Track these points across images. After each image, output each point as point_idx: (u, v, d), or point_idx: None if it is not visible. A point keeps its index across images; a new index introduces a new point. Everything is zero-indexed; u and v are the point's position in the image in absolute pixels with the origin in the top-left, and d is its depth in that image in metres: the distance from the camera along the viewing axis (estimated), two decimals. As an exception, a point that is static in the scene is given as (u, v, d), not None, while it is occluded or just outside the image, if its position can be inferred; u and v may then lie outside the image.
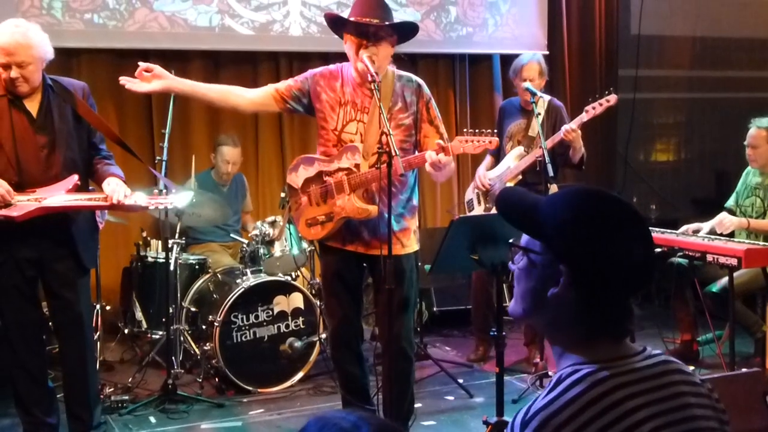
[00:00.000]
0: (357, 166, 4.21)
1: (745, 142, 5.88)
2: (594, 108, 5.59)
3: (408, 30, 4.30)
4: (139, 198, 4.22)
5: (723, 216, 5.68)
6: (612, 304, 1.71)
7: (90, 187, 4.42)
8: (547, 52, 7.71)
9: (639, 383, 1.65)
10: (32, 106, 4.20)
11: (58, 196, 4.14)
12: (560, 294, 1.71)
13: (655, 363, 1.72)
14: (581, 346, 1.72)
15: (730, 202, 6.01)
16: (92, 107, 4.37)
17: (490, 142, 4.17)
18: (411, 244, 4.33)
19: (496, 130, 5.96)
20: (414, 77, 4.37)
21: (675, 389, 1.69)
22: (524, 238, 1.81)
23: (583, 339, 1.72)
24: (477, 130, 4.22)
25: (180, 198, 4.31)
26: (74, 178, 4.19)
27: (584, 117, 5.59)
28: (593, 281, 1.68)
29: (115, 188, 4.17)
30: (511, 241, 1.87)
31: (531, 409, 1.63)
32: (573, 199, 1.77)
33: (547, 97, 5.84)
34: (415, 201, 4.39)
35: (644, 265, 1.72)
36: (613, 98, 5.60)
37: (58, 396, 4.57)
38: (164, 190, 4.81)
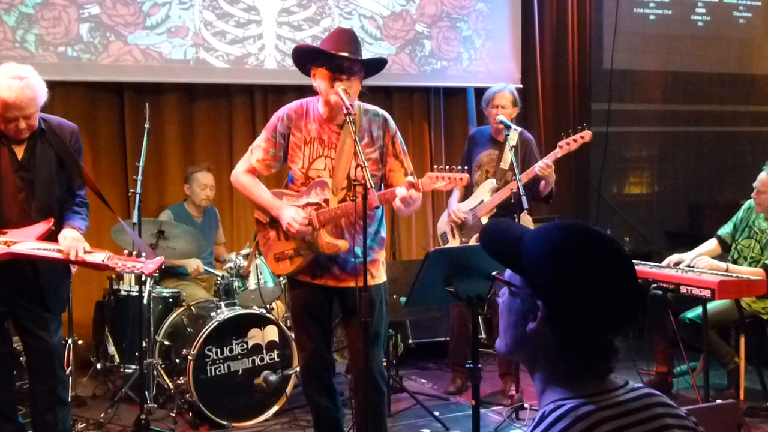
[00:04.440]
0: (326, 201, 4.20)
1: (754, 184, 5.75)
2: (568, 144, 5.61)
3: (377, 66, 4.32)
4: (108, 258, 4.18)
5: (704, 257, 5.66)
6: (591, 341, 1.67)
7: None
8: (521, 86, 7.77)
9: (623, 417, 1.63)
10: (18, 147, 4.17)
11: (28, 242, 4.11)
12: (538, 330, 1.69)
13: (638, 396, 1.70)
14: (563, 382, 1.69)
15: (725, 231, 5.95)
16: (79, 150, 4.36)
17: (461, 179, 4.17)
18: (380, 275, 4.32)
19: (464, 161, 5.99)
20: (380, 111, 4.36)
21: (660, 422, 1.67)
22: (507, 272, 1.78)
23: (564, 376, 1.69)
24: (448, 167, 4.22)
25: (151, 264, 4.26)
26: (49, 223, 4.17)
27: (558, 153, 5.61)
28: (570, 317, 1.65)
29: (72, 244, 4.12)
30: (494, 273, 1.83)
31: None
32: (554, 234, 1.73)
33: (518, 130, 5.86)
34: (383, 233, 4.38)
35: (624, 303, 1.68)
36: (587, 134, 5.60)
37: (28, 432, 4.51)
38: (135, 252, 4.77)
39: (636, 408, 1.66)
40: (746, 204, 5.92)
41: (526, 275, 1.72)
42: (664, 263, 5.66)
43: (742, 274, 5.31)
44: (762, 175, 5.70)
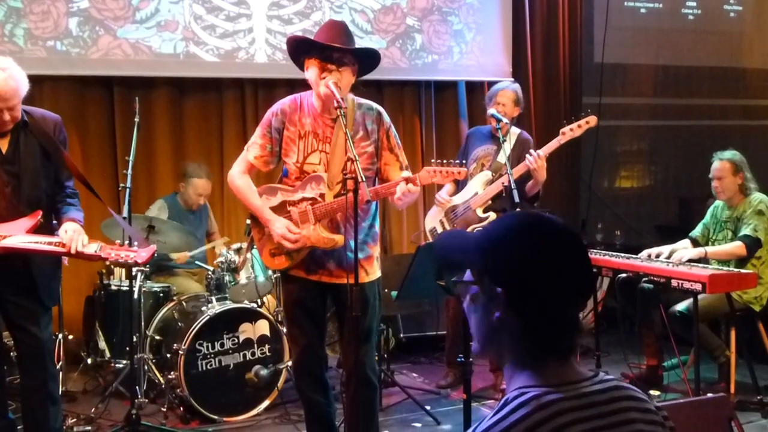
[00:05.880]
0: (322, 195, 4.18)
1: (711, 176, 5.88)
2: (572, 130, 5.57)
3: (371, 58, 4.29)
4: (101, 248, 4.17)
5: (678, 250, 5.72)
6: (551, 319, 1.69)
7: (53, 222, 4.36)
8: (512, 80, 7.76)
9: (587, 408, 1.64)
10: (2, 141, 4.15)
11: (19, 236, 4.09)
12: (503, 317, 1.71)
13: (606, 388, 1.71)
14: (529, 369, 1.71)
15: (696, 233, 6.04)
16: (64, 141, 4.33)
17: (459, 173, 4.17)
18: (374, 272, 4.30)
19: (461, 157, 5.96)
20: (374, 105, 4.34)
21: (625, 416, 1.68)
22: (466, 274, 1.81)
23: (530, 361, 1.71)
24: (445, 161, 4.22)
25: (144, 252, 4.24)
26: (37, 216, 4.15)
27: (562, 139, 5.58)
28: (529, 298, 1.68)
29: (73, 236, 4.11)
30: (453, 279, 1.87)
31: (477, 429, 1.64)
32: (508, 221, 1.79)
33: (516, 130, 5.85)
34: (377, 228, 4.36)
35: (578, 279, 1.72)
36: (593, 119, 5.58)
37: (18, 428, 4.48)
38: (127, 242, 4.76)
39: (601, 401, 1.68)
40: (711, 207, 6.08)
41: (483, 264, 1.75)
42: (643, 254, 5.69)
43: (722, 252, 5.65)
44: (715, 164, 5.89)
